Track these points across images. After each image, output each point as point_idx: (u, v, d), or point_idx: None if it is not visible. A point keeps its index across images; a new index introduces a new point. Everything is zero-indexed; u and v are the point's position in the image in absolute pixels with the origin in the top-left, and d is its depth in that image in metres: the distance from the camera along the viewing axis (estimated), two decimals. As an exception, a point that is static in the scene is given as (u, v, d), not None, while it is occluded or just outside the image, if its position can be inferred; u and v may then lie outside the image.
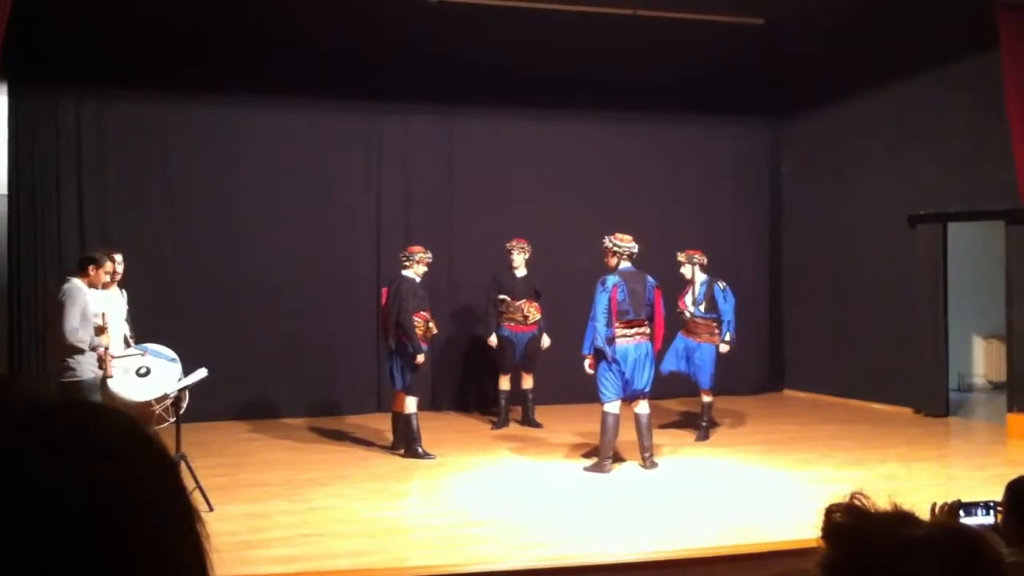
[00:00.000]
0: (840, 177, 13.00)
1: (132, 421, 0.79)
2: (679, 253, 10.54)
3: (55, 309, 7.63)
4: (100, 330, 7.68)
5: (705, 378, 10.38)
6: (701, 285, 10.39)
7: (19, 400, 0.76)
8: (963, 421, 11.96)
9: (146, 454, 0.78)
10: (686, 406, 11.46)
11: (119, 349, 8.30)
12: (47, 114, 11.15)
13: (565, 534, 6.90)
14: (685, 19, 12.76)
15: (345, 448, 10.09)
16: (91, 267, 7.74)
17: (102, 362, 7.83)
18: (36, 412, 0.76)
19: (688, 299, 10.44)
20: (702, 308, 10.33)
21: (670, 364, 10.46)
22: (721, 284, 10.36)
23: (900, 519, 0.96)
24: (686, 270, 10.43)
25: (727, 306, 10.30)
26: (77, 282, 7.62)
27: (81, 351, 7.54)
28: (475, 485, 8.54)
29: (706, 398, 10.43)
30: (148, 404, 8.09)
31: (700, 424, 10.46)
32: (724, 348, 10.35)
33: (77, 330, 7.46)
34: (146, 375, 8.22)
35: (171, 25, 11.25)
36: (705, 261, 10.50)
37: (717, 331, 10.33)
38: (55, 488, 0.72)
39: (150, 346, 8.60)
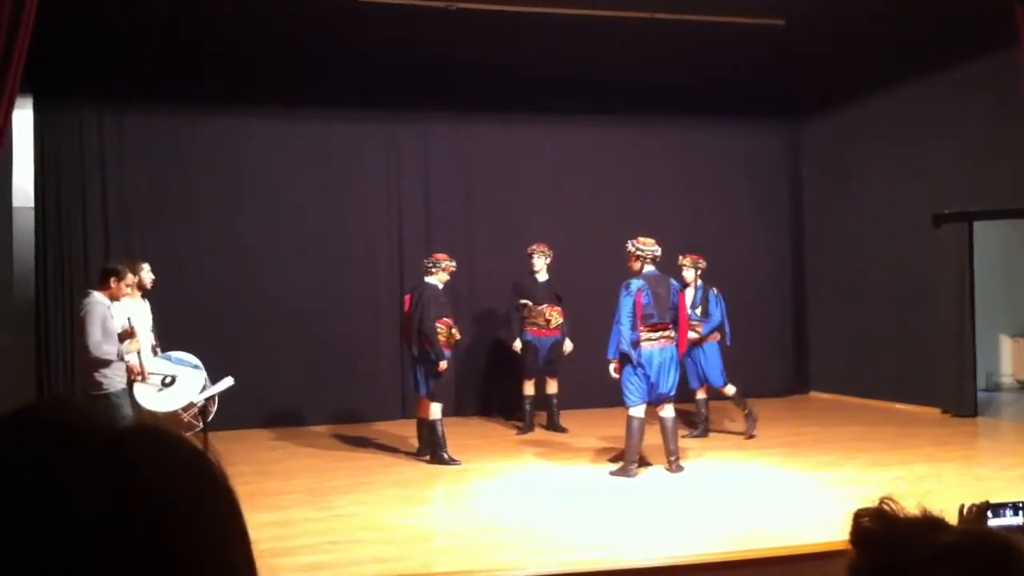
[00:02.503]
0: (860, 178, 12.93)
1: (196, 449, 0.81)
2: (682, 256, 10.52)
3: (79, 324, 7.62)
4: (127, 334, 7.65)
5: (715, 376, 10.44)
6: (697, 290, 10.48)
7: (97, 427, 0.77)
8: (991, 421, 11.85)
9: (210, 483, 0.80)
10: (714, 411, 11.38)
11: (147, 358, 8.32)
12: (70, 128, 11.25)
13: (590, 539, 6.88)
14: (702, 21, 12.73)
15: (369, 455, 10.11)
16: (112, 279, 7.68)
17: (131, 372, 7.82)
18: (112, 439, 0.77)
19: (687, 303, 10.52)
20: (698, 312, 10.39)
21: (693, 381, 10.57)
22: (715, 290, 10.57)
23: (929, 524, 0.95)
24: (688, 273, 10.47)
25: (717, 311, 10.49)
26: (96, 295, 7.59)
27: (108, 363, 7.53)
28: (500, 491, 8.53)
29: (728, 391, 10.54)
30: (176, 413, 8.13)
31: (746, 416, 10.59)
32: (716, 337, 10.50)
33: (101, 343, 7.43)
34: (171, 384, 8.27)
35: (189, 37, 11.30)
36: (705, 266, 10.60)
37: (715, 331, 10.51)
38: (130, 514, 0.73)
39: (173, 354, 8.66)
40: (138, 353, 7.88)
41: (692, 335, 10.33)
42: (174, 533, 0.75)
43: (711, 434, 10.76)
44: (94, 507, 0.72)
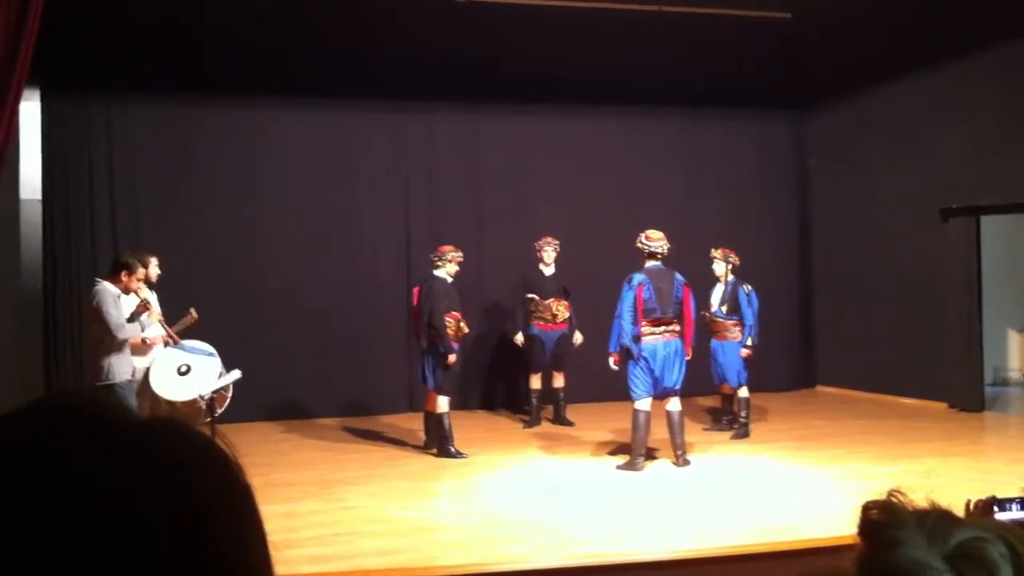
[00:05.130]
0: (868, 171, 12.90)
1: (215, 443, 0.81)
2: (714, 249, 10.47)
3: (90, 314, 7.67)
4: (143, 307, 7.73)
5: (731, 376, 10.32)
6: (727, 286, 10.33)
7: (126, 420, 0.78)
8: (998, 416, 11.84)
9: (232, 477, 0.80)
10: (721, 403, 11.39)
11: (160, 348, 8.41)
12: (78, 120, 11.26)
13: (597, 532, 6.89)
14: (710, 14, 12.71)
15: (377, 448, 10.13)
16: (124, 272, 7.75)
17: (143, 347, 7.94)
18: (143, 433, 0.77)
19: (714, 299, 10.41)
20: (724, 309, 10.28)
21: (715, 377, 10.52)
22: (746, 288, 10.27)
23: (939, 518, 0.95)
24: (718, 267, 10.37)
25: (749, 310, 10.19)
26: (106, 284, 7.67)
27: (121, 348, 7.59)
28: (506, 484, 8.54)
29: (741, 394, 10.36)
30: (193, 401, 8.17)
31: (738, 421, 10.39)
32: (744, 352, 10.24)
33: (123, 325, 7.52)
34: (187, 373, 8.30)
35: (197, 29, 11.33)
36: (738, 262, 10.42)
37: (738, 331, 10.28)
38: (166, 508, 0.73)
39: (186, 343, 8.68)
40: (160, 322, 7.98)
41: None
42: (205, 527, 0.75)
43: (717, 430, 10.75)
44: (133, 501, 0.72)
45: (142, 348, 8.12)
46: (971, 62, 11.55)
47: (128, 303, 7.80)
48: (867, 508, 0.97)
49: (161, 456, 0.76)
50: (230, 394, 8.72)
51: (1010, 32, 10.39)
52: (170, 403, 8.13)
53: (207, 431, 0.87)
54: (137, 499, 0.72)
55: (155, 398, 8.05)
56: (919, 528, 0.92)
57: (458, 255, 9.73)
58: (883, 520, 0.94)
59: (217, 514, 0.76)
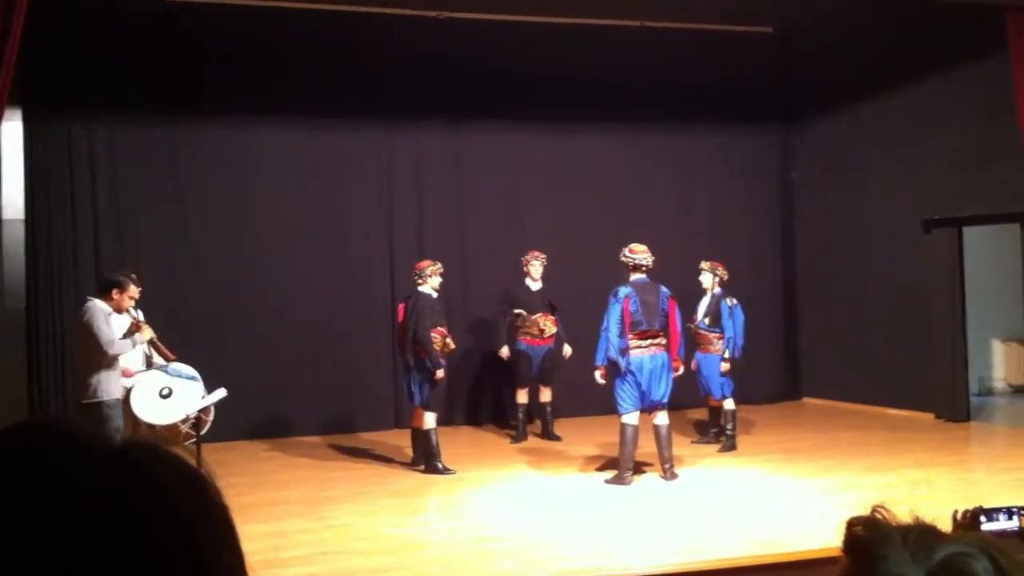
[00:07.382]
0: (853, 182, 12.96)
1: (191, 464, 0.82)
2: (703, 261, 10.51)
3: (81, 331, 7.58)
4: (136, 327, 7.71)
5: (715, 388, 10.33)
6: (712, 298, 10.37)
7: (101, 441, 0.78)
8: (984, 425, 11.87)
9: (208, 497, 0.81)
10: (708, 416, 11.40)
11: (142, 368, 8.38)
12: (61, 139, 11.22)
13: (585, 547, 6.88)
14: (694, 29, 12.77)
15: (363, 465, 10.10)
16: (115, 291, 7.68)
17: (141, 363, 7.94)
18: (118, 453, 0.78)
19: (700, 311, 10.44)
20: (707, 321, 10.32)
21: (701, 389, 10.53)
22: (730, 301, 10.26)
23: (922, 533, 0.95)
24: (705, 278, 10.40)
25: (729, 322, 10.18)
26: (96, 302, 7.62)
27: (111, 366, 7.54)
28: (494, 499, 8.52)
29: (727, 406, 10.36)
30: (174, 425, 8.13)
31: (725, 434, 10.40)
32: (724, 366, 10.22)
33: (114, 340, 7.47)
34: (168, 396, 8.26)
35: (180, 48, 11.32)
36: (726, 276, 10.45)
37: (721, 343, 10.26)
38: (134, 525, 0.74)
39: (170, 365, 8.65)
40: (149, 342, 7.96)
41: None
42: (182, 544, 0.76)
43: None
44: (121, 504, 0.73)
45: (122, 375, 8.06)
46: (954, 74, 11.61)
47: (119, 323, 7.75)
48: (851, 524, 0.97)
49: (143, 467, 0.78)
50: (211, 417, 8.68)
51: (991, 45, 10.46)
52: (151, 426, 8.08)
53: (191, 452, 0.87)
54: (125, 502, 0.73)
55: (136, 421, 8.01)
56: (903, 544, 0.92)
57: (438, 267, 9.70)
58: (867, 536, 0.94)
59: (202, 522, 0.78)
